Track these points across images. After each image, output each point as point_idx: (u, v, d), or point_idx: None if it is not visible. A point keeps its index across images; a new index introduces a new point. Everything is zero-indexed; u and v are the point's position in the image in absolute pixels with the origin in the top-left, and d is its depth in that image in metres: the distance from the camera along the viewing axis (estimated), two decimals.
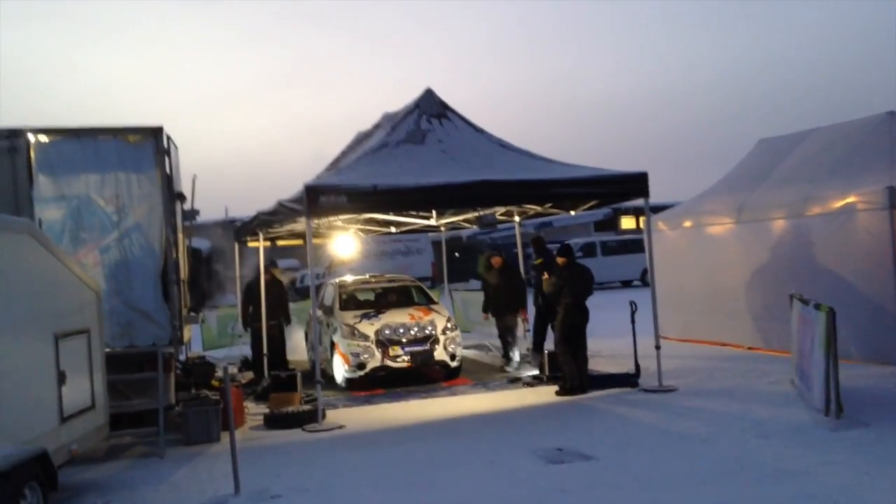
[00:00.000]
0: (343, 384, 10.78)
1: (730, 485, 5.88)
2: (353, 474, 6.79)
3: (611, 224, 38.30)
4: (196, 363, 10.46)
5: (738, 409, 8.29)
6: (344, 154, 12.33)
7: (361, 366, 10.50)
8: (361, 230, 14.19)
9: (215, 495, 6.27)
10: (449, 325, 11.06)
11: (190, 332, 10.43)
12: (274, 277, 12.38)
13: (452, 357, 10.91)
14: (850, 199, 10.39)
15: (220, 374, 9.54)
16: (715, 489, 5.79)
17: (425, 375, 11.07)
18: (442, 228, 14.70)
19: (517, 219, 13.47)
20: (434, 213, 12.94)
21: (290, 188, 10.05)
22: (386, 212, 11.57)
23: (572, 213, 12.72)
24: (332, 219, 11.73)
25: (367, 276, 13.12)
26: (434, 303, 11.90)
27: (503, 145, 11.03)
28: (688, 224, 13.57)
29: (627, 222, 38.98)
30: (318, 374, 9.14)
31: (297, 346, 13.60)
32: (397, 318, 10.98)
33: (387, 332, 10.65)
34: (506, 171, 9.98)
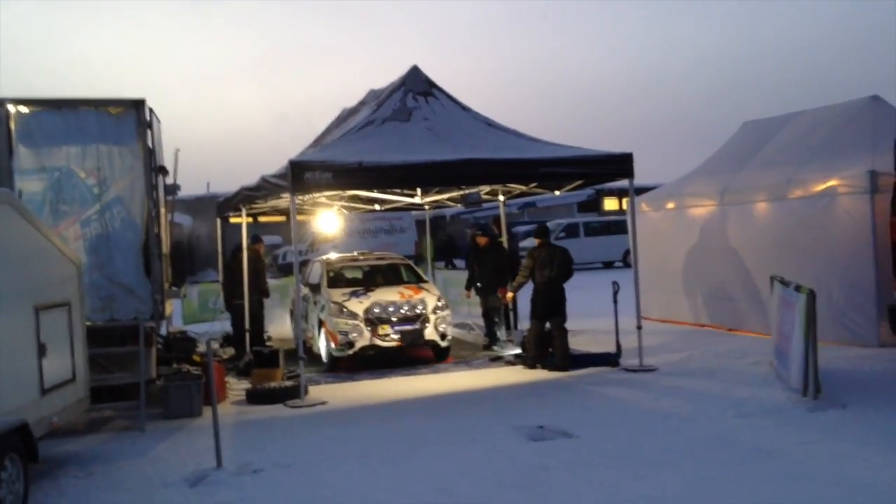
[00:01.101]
0: (329, 363, 10.63)
1: (709, 463, 5.95)
2: (335, 450, 6.81)
3: (594, 205, 38.40)
4: (177, 338, 10.40)
5: (717, 388, 8.38)
6: (329, 130, 12.25)
7: (350, 344, 10.30)
8: (345, 207, 14.13)
9: (197, 469, 6.26)
10: (439, 304, 10.86)
11: (171, 306, 10.38)
12: (256, 252, 12.35)
13: (443, 336, 10.73)
14: (832, 183, 10.47)
15: (201, 348, 9.51)
16: (694, 467, 5.86)
17: (414, 356, 10.94)
18: (426, 207, 14.67)
19: (502, 198, 13.47)
20: (419, 191, 12.90)
21: (275, 166, 10.00)
22: (371, 189, 11.53)
23: (557, 193, 12.73)
24: (316, 195, 11.67)
25: (356, 254, 12.87)
26: (424, 281, 11.69)
27: (489, 124, 10.99)
28: (671, 206, 13.63)
29: (610, 203, 39.08)
30: (301, 351, 9.13)
31: (281, 322, 13.53)
32: (386, 296, 10.78)
33: (376, 310, 10.43)
34: (492, 150, 9.95)
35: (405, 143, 10.02)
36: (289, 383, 9.08)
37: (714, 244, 12.48)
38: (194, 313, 14.94)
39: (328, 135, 11.95)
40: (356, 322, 10.34)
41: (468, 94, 11.28)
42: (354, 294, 10.81)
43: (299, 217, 12.69)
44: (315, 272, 12.17)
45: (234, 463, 6.34)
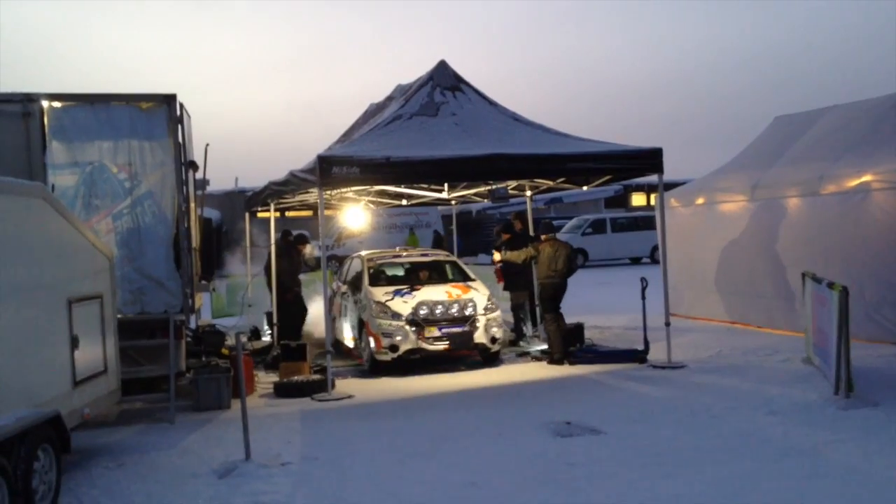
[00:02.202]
0: (371, 366, 9.94)
1: (738, 461, 5.89)
2: (362, 443, 6.84)
3: (621, 201, 38.15)
4: (206, 331, 10.50)
5: (747, 386, 8.29)
6: (356, 126, 12.28)
7: (394, 347, 9.60)
8: (372, 202, 14.17)
9: (226, 461, 6.32)
10: (490, 305, 10.14)
11: (201, 300, 10.48)
12: (299, 252, 12.43)
13: (493, 340, 9.98)
14: (866, 178, 10.29)
15: (230, 342, 9.59)
16: (723, 465, 5.81)
17: (454, 356, 10.29)
18: (453, 202, 14.66)
19: (529, 193, 13.41)
20: (446, 186, 12.89)
21: (302, 161, 10.04)
22: (398, 184, 11.55)
23: (584, 188, 12.66)
24: (343, 190, 11.70)
25: (397, 250, 12.19)
26: (472, 279, 10.87)
27: (517, 119, 10.95)
28: (700, 201, 13.49)
29: (638, 199, 38.82)
30: (329, 345, 9.18)
31: (316, 319, 13.22)
32: (433, 295, 10.03)
33: (422, 311, 9.73)
34: (519, 145, 9.93)
35: (432, 137, 10.02)
36: (316, 377, 9.14)
37: (744, 240, 12.33)
38: (223, 307, 15.07)
39: (356, 130, 11.97)
40: (400, 323, 9.67)
41: (495, 90, 11.28)
42: (398, 293, 10.10)
43: (326, 212, 12.76)
44: (354, 269, 11.52)
45: (262, 455, 6.39)
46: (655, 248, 21.92)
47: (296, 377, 9.20)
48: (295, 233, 12.93)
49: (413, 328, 9.66)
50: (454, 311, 9.89)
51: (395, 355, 9.64)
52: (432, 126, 10.36)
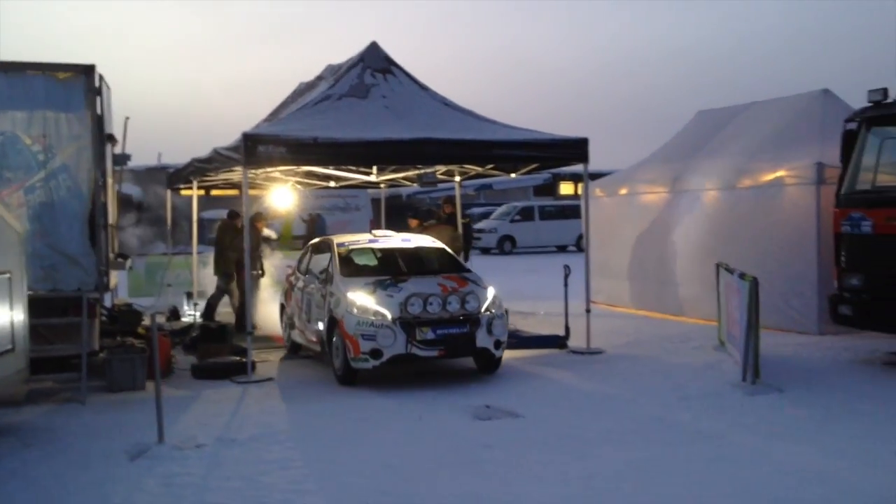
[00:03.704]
0: (344, 375, 8.21)
1: (649, 444, 6.08)
2: (281, 426, 6.78)
3: (550, 189, 38.66)
4: (122, 310, 10.23)
5: (661, 372, 8.55)
6: (285, 105, 12.08)
7: (376, 353, 7.83)
8: (300, 183, 13.99)
9: (138, 443, 6.17)
10: (493, 301, 8.50)
11: (116, 278, 10.19)
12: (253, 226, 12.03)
13: (497, 344, 8.31)
14: (780, 173, 10.70)
15: (147, 322, 9.36)
16: (635, 448, 5.98)
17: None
18: (382, 185, 14.60)
19: (458, 178, 13.46)
20: (375, 169, 12.82)
21: (231, 140, 9.82)
22: (326, 165, 11.41)
23: (512, 175, 12.78)
24: (269, 170, 11.51)
25: (372, 234, 10.12)
26: (467, 270, 9.28)
27: (447, 104, 10.95)
28: (624, 192, 13.78)
29: (566, 188, 39.40)
30: (250, 325, 9.05)
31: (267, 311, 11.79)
32: (424, 289, 8.26)
33: (413, 306, 8.00)
34: (448, 130, 9.93)
35: (362, 119, 9.94)
36: (236, 359, 9.00)
37: (664, 231, 12.66)
38: (141, 286, 14.70)
39: (284, 109, 11.78)
40: (386, 323, 7.92)
41: (426, 75, 11.23)
42: (381, 285, 8.30)
43: (252, 192, 12.54)
44: (319, 256, 9.85)
45: (176, 438, 6.28)
46: (581, 237, 22.35)
47: (215, 359, 9.04)
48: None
49: (402, 329, 7.93)
50: (453, 307, 8.15)
51: (377, 362, 7.87)
52: (362, 108, 10.28)
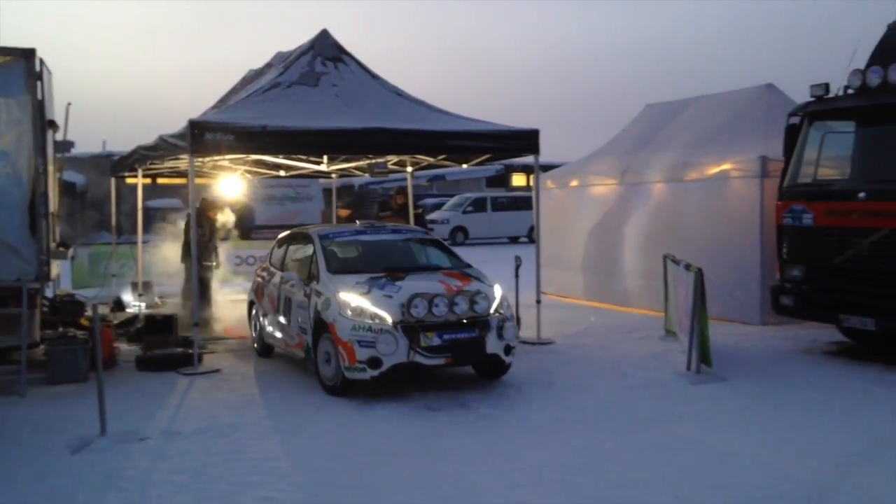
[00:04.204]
0: (337, 386, 7.28)
1: (597, 432, 6.16)
2: (227, 419, 6.68)
3: (502, 180, 38.83)
4: (65, 301, 9.96)
5: (609, 362, 8.67)
6: (233, 92, 11.87)
7: (375, 362, 6.94)
8: (249, 172, 13.78)
9: (80, 436, 6.03)
10: (502, 302, 7.62)
11: (58, 268, 9.92)
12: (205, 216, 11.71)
13: (508, 350, 7.45)
14: (725, 167, 10.91)
15: (90, 312, 9.14)
16: (584, 437, 6.06)
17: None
18: (333, 175, 14.47)
19: (410, 169, 13.42)
20: (326, 158, 12.71)
21: (179, 127, 9.62)
22: (275, 154, 11.24)
23: (464, 166, 12.78)
24: (216, 158, 11.31)
25: (358, 224, 9.18)
26: (467, 265, 8.33)
27: (399, 94, 10.88)
28: (574, 183, 13.91)
29: (518, 179, 39.62)
30: (196, 316, 8.90)
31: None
32: (426, 287, 7.33)
33: (417, 308, 7.10)
34: (400, 120, 9.87)
35: (312, 108, 9.81)
36: (182, 350, 8.85)
37: (613, 223, 12.83)
38: (84, 277, 14.34)
39: (232, 96, 11.57)
40: (385, 327, 7.03)
41: (378, 64, 11.14)
42: (375, 283, 7.40)
43: (200, 180, 12.32)
44: (297, 250, 8.97)
45: (120, 430, 6.14)
46: (533, 228, 22.50)
47: (160, 350, 8.88)
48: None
49: (403, 334, 7.04)
50: (461, 308, 7.27)
51: (375, 373, 6.98)
52: (312, 96, 10.15)
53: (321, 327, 7.47)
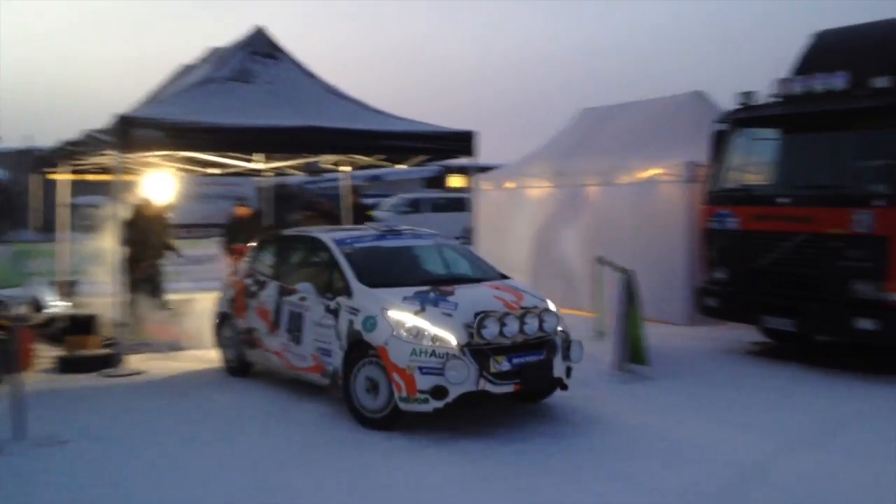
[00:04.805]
0: (385, 418, 6.32)
1: (523, 433, 6.22)
2: (150, 423, 6.54)
3: (440, 181, 38.93)
4: None
5: None
6: (164, 87, 11.62)
7: (440, 392, 6.01)
8: (181, 169, 13.48)
9: None
10: (561, 318, 6.83)
11: None
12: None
13: (568, 372, 6.68)
14: (655, 171, 11.16)
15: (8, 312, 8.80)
16: (512, 439, 6.11)
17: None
18: (267, 174, 14.28)
19: (348, 169, 13.34)
20: (262, 156, 12.53)
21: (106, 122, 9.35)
22: (207, 151, 11.04)
23: (400, 167, 12.78)
24: (146, 155, 11.03)
25: (367, 227, 8.39)
26: (506, 276, 7.60)
27: (335, 92, 10.81)
28: (510, 185, 14.03)
29: (456, 181, 39.76)
30: (123, 316, 8.67)
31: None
32: (483, 302, 6.46)
33: (487, 329, 6.18)
34: (336, 119, 9.80)
35: (246, 105, 9.68)
36: (105, 351, 8.60)
37: (548, 225, 12.97)
38: (5, 276, 13.80)
39: (163, 91, 11.33)
40: (452, 351, 6.07)
41: (316, 63, 11.03)
42: (426, 299, 6.47)
43: (128, 177, 11.98)
44: (302, 256, 8.03)
45: (38, 434, 5.94)
46: (470, 229, 22.60)
47: (82, 351, 8.61)
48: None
49: (472, 359, 6.09)
50: (530, 328, 6.42)
51: (439, 404, 6.03)
52: (246, 92, 10.00)
53: (360, 350, 6.45)
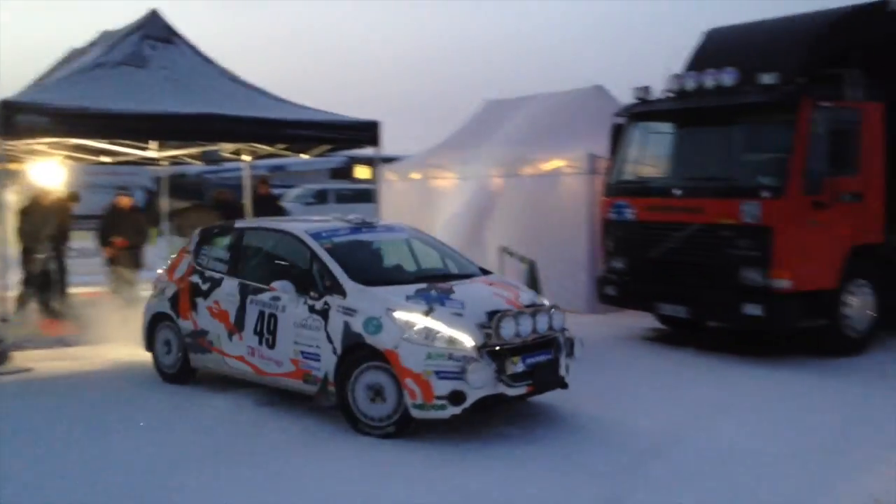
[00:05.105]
0: (398, 425, 5.93)
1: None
2: (34, 423, 6.26)
3: (347, 172, 38.58)
4: None
5: None
6: (52, 71, 11.06)
7: (458, 397, 5.73)
8: (70, 157, 12.85)
9: None
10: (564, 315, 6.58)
11: None
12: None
13: (567, 370, 6.46)
14: (558, 163, 11.37)
15: None
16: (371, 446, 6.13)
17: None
18: (163, 163, 13.80)
19: (249, 158, 13.03)
20: (156, 144, 12.09)
21: None
22: (97, 138, 10.57)
23: (303, 156, 12.59)
24: (30, 142, 10.47)
25: (333, 219, 7.55)
26: (487, 271, 7.40)
27: (234, 79, 10.53)
28: (415, 176, 14.03)
29: (362, 171, 39.50)
30: (6, 313, 8.21)
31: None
32: (485, 300, 6.27)
33: (506, 329, 5.94)
34: (235, 107, 9.56)
35: (139, 90, 9.34)
36: None
37: (453, 216, 13.02)
38: None
39: (51, 75, 10.79)
40: (469, 353, 5.79)
41: (215, 49, 10.70)
42: (429, 297, 6.16)
43: (13, 165, 11.35)
44: (268, 252, 7.39)
45: None
46: None
47: None
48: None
49: (489, 360, 5.83)
50: (541, 327, 6.21)
51: (457, 410, 5.75)
52: (140, 78, 9.64)
53: (358, 354, 6.04)
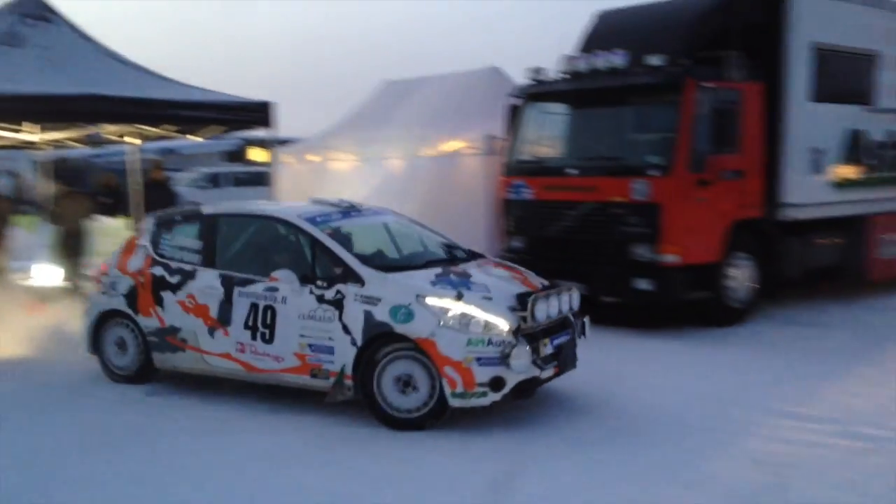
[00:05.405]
0: (431, 415, 5.69)
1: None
2: None
3: (240, 155, 37.63)
4: None
5: None
6: None
7: (498, 383, 5.58)
8: None
9: None
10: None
11: None
12: None
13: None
14: (456, 144, 11.43)
15: None
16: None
17: None
18: (44, 147, 13.06)
19: (137, 141, 12.50)
20: (37, 128, 11.42)
21: None
22: None
23: (193, 138, 12.18)
24: None
25: (317, 202, 7.15)
26: (479, 255, 7.09)
27: (117, 59, 10.10)
28: (312, 158, 13.80)
29: (256, 154, 38.62)
30: None
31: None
32: (503, 282, 6.23)
33: (540, 312, 5.84)
34: (119, 87, 9.18)
35: (15, 71, 8.94)
36: None
37: (352, 199, 12.84)
38: None
39: None
40: (507, 338, 5.63)
41: (97, 28, 10.21)
42: (452, 282, 6.00)
43: None
44: (250, 239, 6.86)
45: None
46: None
47: None
48: None
49: (528, 342, 5.69)
50: (565, 308, 6.19)
51: (497, 396, 5.61)
52: (15, 58, 9.21)
53: (382, 344, 5.73)
